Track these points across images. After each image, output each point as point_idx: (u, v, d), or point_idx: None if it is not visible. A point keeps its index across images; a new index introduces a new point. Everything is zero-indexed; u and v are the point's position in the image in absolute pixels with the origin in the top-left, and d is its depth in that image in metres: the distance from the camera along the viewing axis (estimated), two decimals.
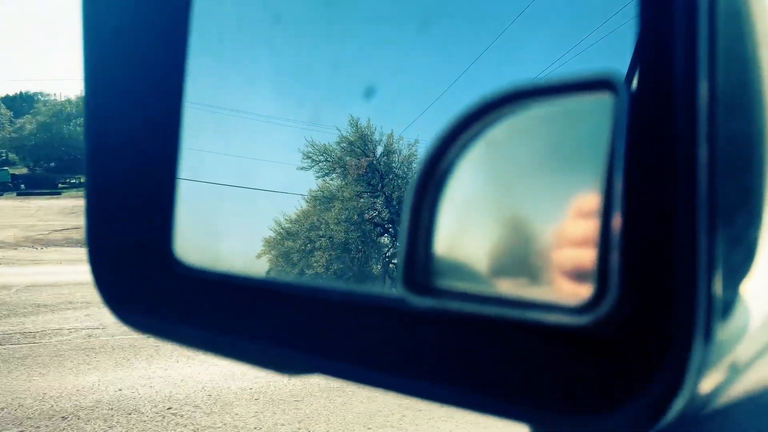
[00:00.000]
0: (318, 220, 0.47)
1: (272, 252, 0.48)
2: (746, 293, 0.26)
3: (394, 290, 0.36)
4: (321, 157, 0.46)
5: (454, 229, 0.34)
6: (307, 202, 0.47)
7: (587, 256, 0.28)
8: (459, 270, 0.34)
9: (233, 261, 0.52)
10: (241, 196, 0.51)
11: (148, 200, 0.53)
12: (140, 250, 0.53)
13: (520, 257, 0.32)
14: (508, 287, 0.31)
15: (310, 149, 0.46)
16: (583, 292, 0.28)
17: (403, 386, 0.36)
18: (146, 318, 0.53)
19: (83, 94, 0.54)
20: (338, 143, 0.44)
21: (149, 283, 0.53)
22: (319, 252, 0.46)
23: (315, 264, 0.47)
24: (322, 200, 0.46)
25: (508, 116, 0.31)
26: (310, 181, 0.45)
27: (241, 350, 0.45)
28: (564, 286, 0.29)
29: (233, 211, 0.51)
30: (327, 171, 0.46)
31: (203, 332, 0.48)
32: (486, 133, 0.32)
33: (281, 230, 0.47)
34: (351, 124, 0.43)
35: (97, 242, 0.55)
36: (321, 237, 0.47)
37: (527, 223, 0.32)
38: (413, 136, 0.37)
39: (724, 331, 0.26)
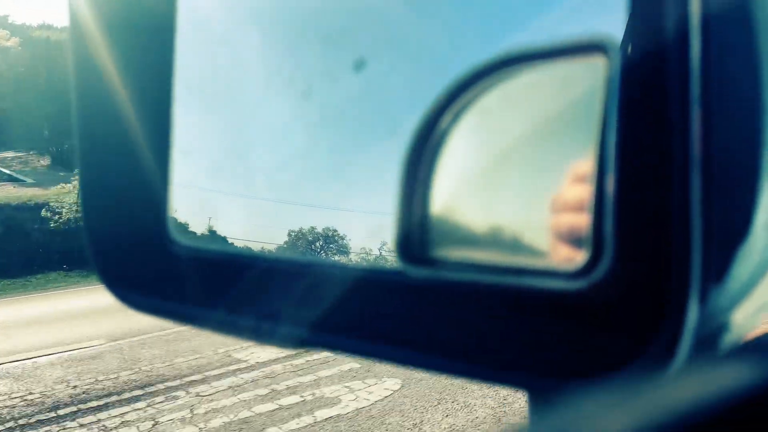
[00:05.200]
0: None
1: None
2: (743, 255, 0.26)
3: (392, 263, 0.36)
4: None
5: (449, 200, 0.34)
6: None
7: (583, 221, 0.28)
8: (455, 240, 0.34)
9: (229, 238, 0.50)
10: (235, 175, 0.50)
11: (142, 180, 0.52)
12: (136, 231, 0.53)
13: (516, 225, 0.31)
14: (504, 255, 0.31)
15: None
16: (579, 257, 0.28)
17: (402, 357, 0.36)
18: (145, 298, 0.53)
19: (70, 68, 0.53)
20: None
21: (146, 263, 0.53)
22: None
23: None
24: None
25: (500, 83, 0.31)
26: (303, 160, 0.45)
27: (241, 326, 0.45)
28: (561, 250, 0.29)
29: (228, 188, 0.50)
30: None
31: (203, 310, 0.48)
32: (478, 101, 0.32)
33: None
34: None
35: (94, 223, 0.55)
36: None
37: (522, 190, 0.31)
38: (405, 108, 0.37)
39: (720, 294, 0.25)
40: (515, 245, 0.31)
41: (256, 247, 0.48)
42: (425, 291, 0.34)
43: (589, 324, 0.28)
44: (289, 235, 0.47)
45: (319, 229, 0.45)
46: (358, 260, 0.41)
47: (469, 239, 0.33)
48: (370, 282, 0.38)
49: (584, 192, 0.28)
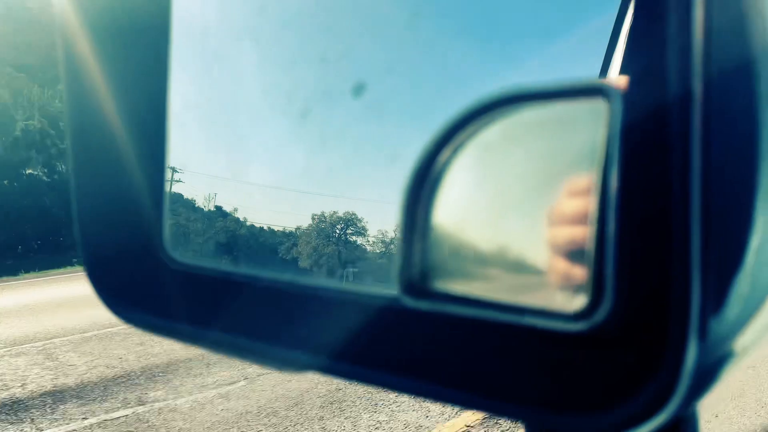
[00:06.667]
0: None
1: None
2: (742, 285, 0.26)
3: (390, 290, 0.36)
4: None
5: (449, 232, 0.34)
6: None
7: (580, 233, 0.28)
8: (455, 272, 0.34)
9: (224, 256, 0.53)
10: (231, 191, 0.51)
11: (138, 195, 0.52)
12: (131, 246, 0.53)
13: (516, 260, 0.32)
14: (504, 290, 0.32)
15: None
16: (580, 300, 0.28)
17: (397, 383, 0.36)
18: (141, 314, 0.52)
19: (64, 86, 0.52)
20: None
21: (141, 279, 0.53)
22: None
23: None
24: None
25: (502, 119, 0.31)
26: (302, 178, 0.46)
27: (235, 345, 0.45)
28: (558, 264, 0.30)
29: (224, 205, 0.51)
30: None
31: (197, 328, 0.48)
32: (479, 135, 0.32)
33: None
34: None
35: (88, 237, 0.55)
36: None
37: (522, 226, 0.32)
38: (405, 136, 0.37)
39: (719, 326, 0.26)
40: (515, 281, 0.32)
41: (252, 266, 0.50)
42: (422, 320, 0.34)
43: (588, 361, 0.29)
44: (312, 218, 0.50)
45: (341, 213, 0.48)
46: (375, 246, 0.43)
47: (468, 273, 0.33)
48: (368, 307, 0.38)
49: (580, 205, 0.28)
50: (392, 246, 0.42)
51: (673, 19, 0.26)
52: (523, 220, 0.32)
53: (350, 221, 0.48)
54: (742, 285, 0.26)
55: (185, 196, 0.54)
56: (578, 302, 0.28)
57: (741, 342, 0.27)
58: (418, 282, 0.34)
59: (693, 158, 0.25)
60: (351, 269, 0.50)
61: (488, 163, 0.33)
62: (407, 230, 0.34)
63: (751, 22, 0.26)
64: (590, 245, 0.28)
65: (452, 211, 0.34)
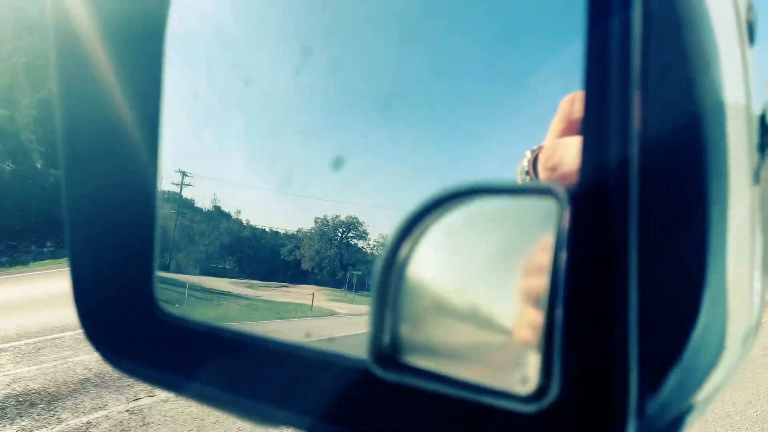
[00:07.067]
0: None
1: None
2: (681, 366, 0.28)
3: (363, 357, 0.38)
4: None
5: (417, 309, 0.36)
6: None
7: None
8: (423, 347, 0.36)
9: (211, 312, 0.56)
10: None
11: (130, 248, 0.54)
12: (123, 298, 0.55)
13: (482, 325, 0.34)
14: (466, 367, 0.34)
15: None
16: (532, 383, 0.31)
17: None
18: (132, 363, 0.54)
19: (61, 148, 0.54)
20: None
21: (132, 329, 0.55)
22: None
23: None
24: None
25: (464, 207, 0.34)
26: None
27: (216, 398, 0.47)
28: (528, 313, 0.32)
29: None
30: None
31: (183, 379, 0.49)
32: (444, 220, 0.34)
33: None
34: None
35: (82, 290, 0.57)
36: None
37: (482, 306, 0.34)
38: (380, 215, 0.40)
39: (656, 404, 0.28)
40: (476, 358, 0.34)
41: (236, 323, 0.52)
42: (392, 388, 0.36)
43: None
44: (315, 221, 0.51)
45: (343, 217, 0.50)
46: (376, 249, 0.45)
47: (437, 348, 0.36)
48: (343, 370, 0.40)
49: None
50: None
51: (614, 85, 0.27)
52: (487, 291, 0.34)
53: (352, 225, 0.50)
54: (682, 366, 0.28)
55: (185, 196, 0.56)
56: (531, 384, 0.31)
57: (682, 412, 0.30)
58: (387, 354, 0.36)
59: (630, 263, 0.27)
60: (354, 272, 0.51)
61: (452, 243, 0.36)
62: (378, 307, 0.36)
63: (698, 83, 0.27)
64: (540, 333, 0.30)
65: (420, 290, 0.36)
